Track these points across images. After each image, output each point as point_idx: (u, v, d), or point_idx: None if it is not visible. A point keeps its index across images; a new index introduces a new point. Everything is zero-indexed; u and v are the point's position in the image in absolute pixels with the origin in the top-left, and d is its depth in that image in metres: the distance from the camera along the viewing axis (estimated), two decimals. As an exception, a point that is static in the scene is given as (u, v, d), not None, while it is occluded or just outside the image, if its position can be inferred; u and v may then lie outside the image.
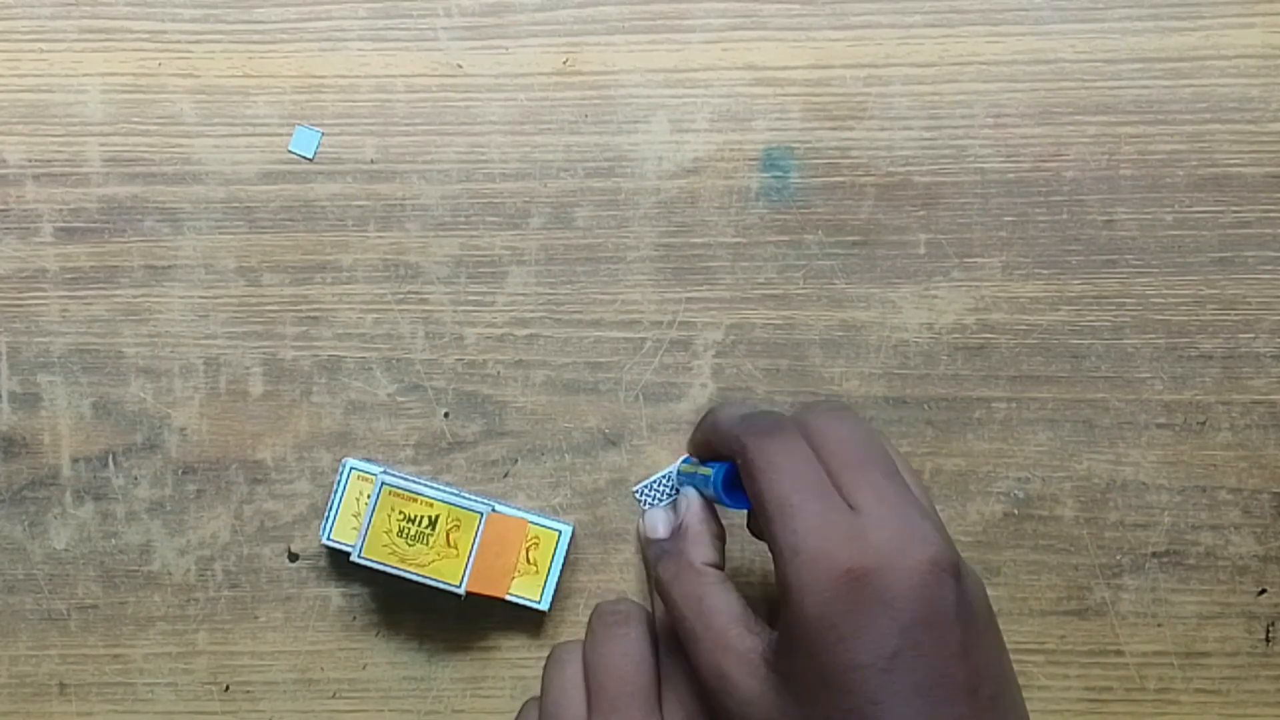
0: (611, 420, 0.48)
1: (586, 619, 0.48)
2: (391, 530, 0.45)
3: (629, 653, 0.40)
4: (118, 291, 0.48)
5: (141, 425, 0.48)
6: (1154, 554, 0.48)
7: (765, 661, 0.37)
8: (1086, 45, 0.48)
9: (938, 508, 0.48)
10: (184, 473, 0.48)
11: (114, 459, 0.48)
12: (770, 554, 0.38)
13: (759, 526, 0.41)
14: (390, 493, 0.45)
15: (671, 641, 0.41)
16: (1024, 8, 0.48)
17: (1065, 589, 0.48)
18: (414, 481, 0.46)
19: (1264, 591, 0.48)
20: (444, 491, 0.46)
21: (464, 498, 0.46)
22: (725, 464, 0.42)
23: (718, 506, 0.43)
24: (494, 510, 0.46)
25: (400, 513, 0.45)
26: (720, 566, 0.41)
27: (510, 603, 0.47)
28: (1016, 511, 0.48)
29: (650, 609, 0.45)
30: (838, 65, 0.48)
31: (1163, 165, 0.48)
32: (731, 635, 0.38)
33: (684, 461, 0.46)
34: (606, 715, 0.39)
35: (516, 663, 0.48)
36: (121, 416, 0.48)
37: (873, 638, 0.34)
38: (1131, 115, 0.48)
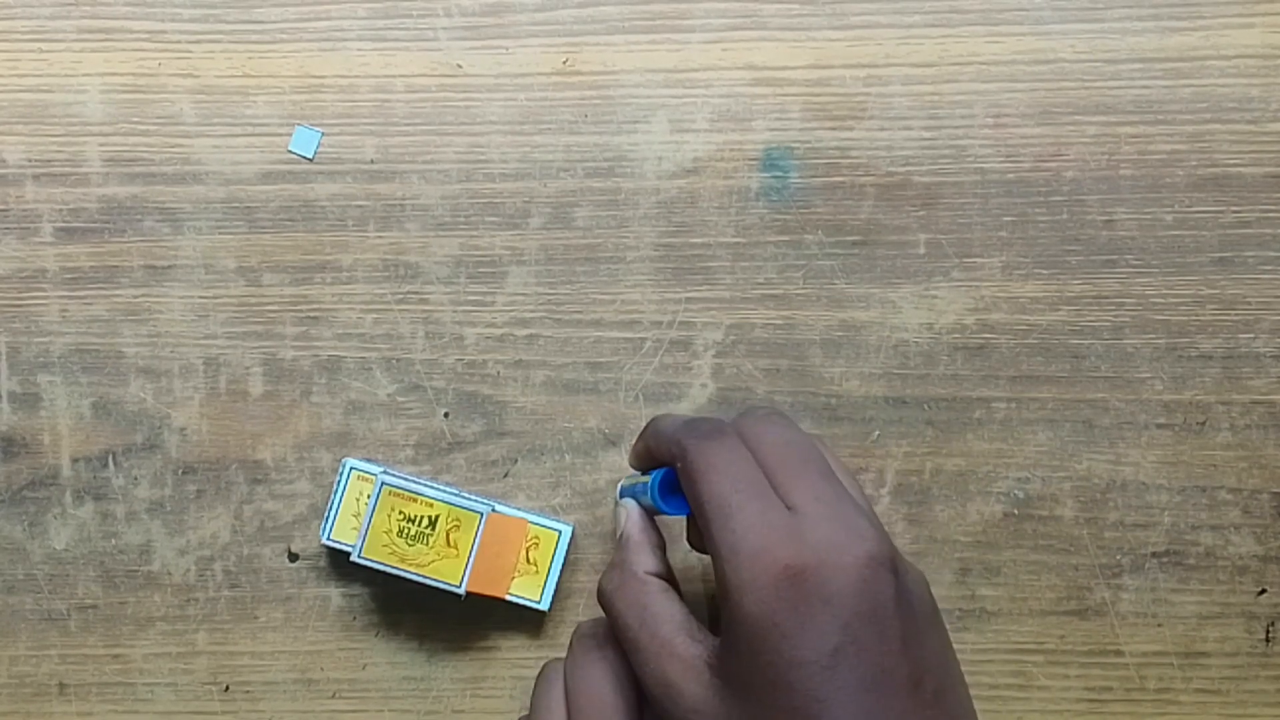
0: (611, 420, 0.48)
1: (586, 618, 0.48)
2: (391, 530, 0.45)
3: (608, 675, 0.40)
4: (118, 291, 0.48)
5: (141, 425, 0.48)
6: (1154, 554, 0.48)
7: (709, 667, 0.37)
8: (1086, 45, 0.48)
9: (938, 508, 0.48)
10: (184, 473, 0.48)
11: (114, 459, 0.48)
12: (710, 558, 0.38)
13: (698, 538, 0.41)
14: (390, 493, 0.45)
15: None
16: (1024, 8, 0.48)
17: (1065, 589, 0.48)
18: (414, 481, 0.46)
19: (1264, 591, 0.48)
20: (444, 491, 0.46)
21: (464, 498, 0.46)
22: (662, 470, 0.42)
23: (661, 518, 0.43)
24: (494, 510, 0.46)
25: (400, 513, 0.45)
26: (664, 575, 0.41)
27: (510, 603, 0.47)
28: (1016, 511, 0.48)
29: None
30: (838, 65, 0.48)
31: (1163, 165, 0.48)
32: (676, 643, 0.38)
33: (627, 478, 0.46)
34: None
35: (516, 663, 0.48)
36: (121, 416, 0.48)
37: (814, 634, 0.34)
38: (1131, 115, 0.48)
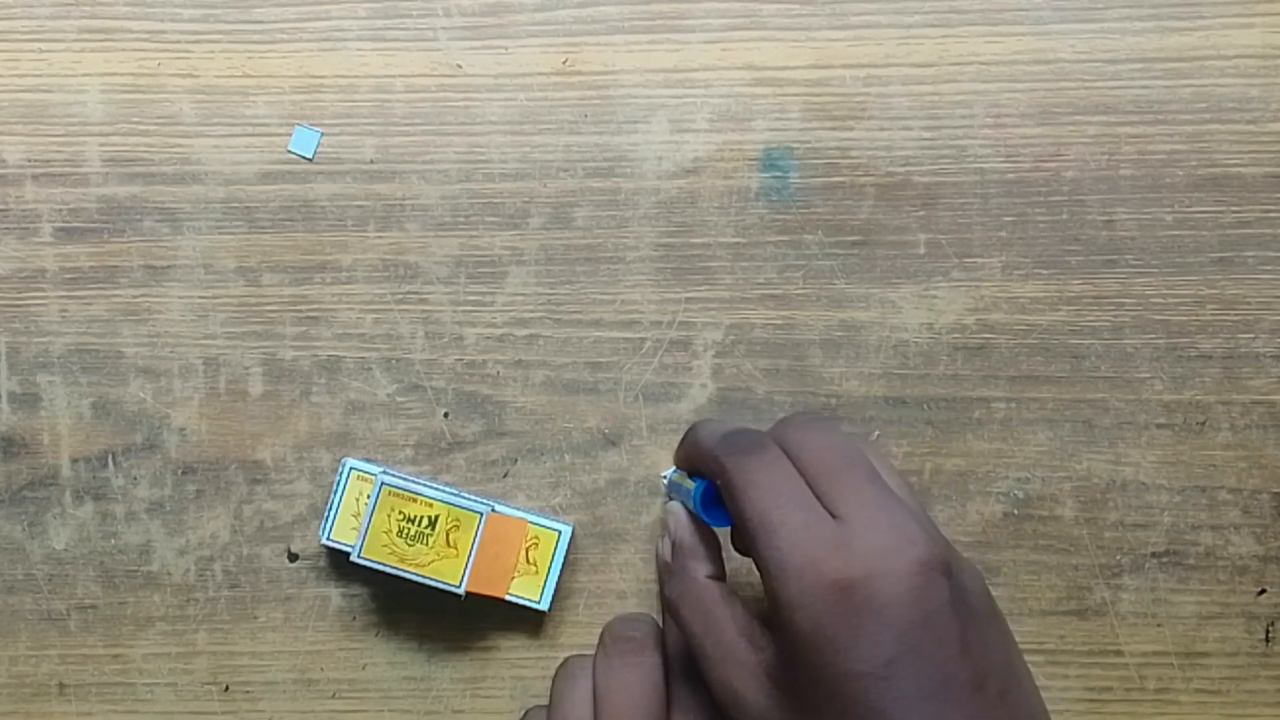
0: (611, 420, 0.48)
1: (586, 619, 0.48)
2: (391, 530, 0.45)
3: (642, 681, 0.40)
4: (117, 291, 0.48)
5: (141, 425, 0.48)
6: (1154, 554, 0.48)
7: (769, 675, 0.37)
8: (1086, 45, 0.48)
9: (938, 508, 0.48)
10: (184, 473, 0.48)
11: (113, 459, 0.48)
12: (758, 570, 0.37)
13: (743, 544, 0.41)
14: (390, 493, 0.45)
15: (683, 666, 0.41)
16: (1024, 8, 0.48)
17: (1065, 589, 0.48)
18: (414, 481, 0.46)
19: (1264, 591, 0.48)
20: (444, 491, 0.46)
21: (464, 498, 0.46)
22: (703, 482, 0.42)
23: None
24: (494, 510, 0.46)
25: (400, 513, 0.45)
26: (721, 577, 0.41)
27: (510, 603, 0.47)
28: (1016, 511, 0.48)
29: (662, 626, 0.44)
30: (838, 65, 0.48)
31: (1163, 165, 0.48)
32: (739, 649, 0.38)
33: (674, 471, 0.47)
34: None
35: (516, 663, 0.48)
36: (121, 416, 0.48)
37: (868, 646, 0.34)
38: (1131, 115, 0.48)
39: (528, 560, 0.47)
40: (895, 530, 0.36)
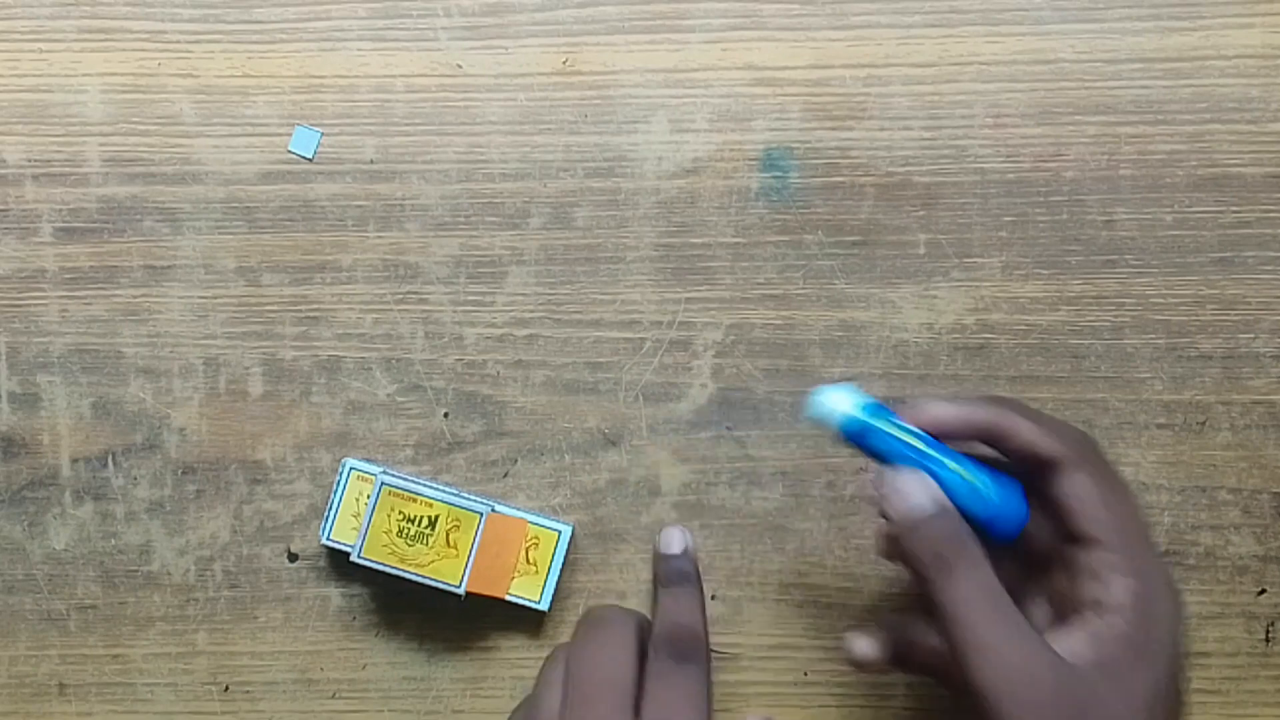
0: (611, 420, 0.48)
1: (586, 619, 0.48)
2: (391, 530, 0.45)
3: (606, 648, 0.40)
4: (117, 291, 0.48)
5: (141, 425, 0.48)
6: (1154, 554, 0.48)
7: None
8: (1086, 45, 0.48)
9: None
10: (183, 473, 0.48)
11: (114, 459, 0.48)
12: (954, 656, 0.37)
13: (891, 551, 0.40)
14: (390, 493, 0.45)
15: (661, 646, 0.41)
16: (1024, 8, 0.48)
17: (1065, 589, 0.48)
18: (414, 481, 0.46)
19: (1264, 591, 0.48)
20: (443, 491, 0.46)
21: (464, 498, 0.46)
22: (1008, 483, 0.38)
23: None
24: (494, 510, 0.46)
25: (400, 513, 0.45)
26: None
27: (510, 603, 0.47)
28: (1016, 511, 0.48)
29: (646, 614, 0.44)
30: (838, 65, 0.48)
31: (1163, 165, 0.48)
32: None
33: (866, 407, 0.39)
34: (576, 707, 0.39)
35: (516, 663, 0.48)
36: (121, 416, 0.48)
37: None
38: (1131, 115, 0.48)
39: (528, 560, 0.47)
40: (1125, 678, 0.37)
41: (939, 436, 0.39)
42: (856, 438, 0.39)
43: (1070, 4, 0.48)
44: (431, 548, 0.45)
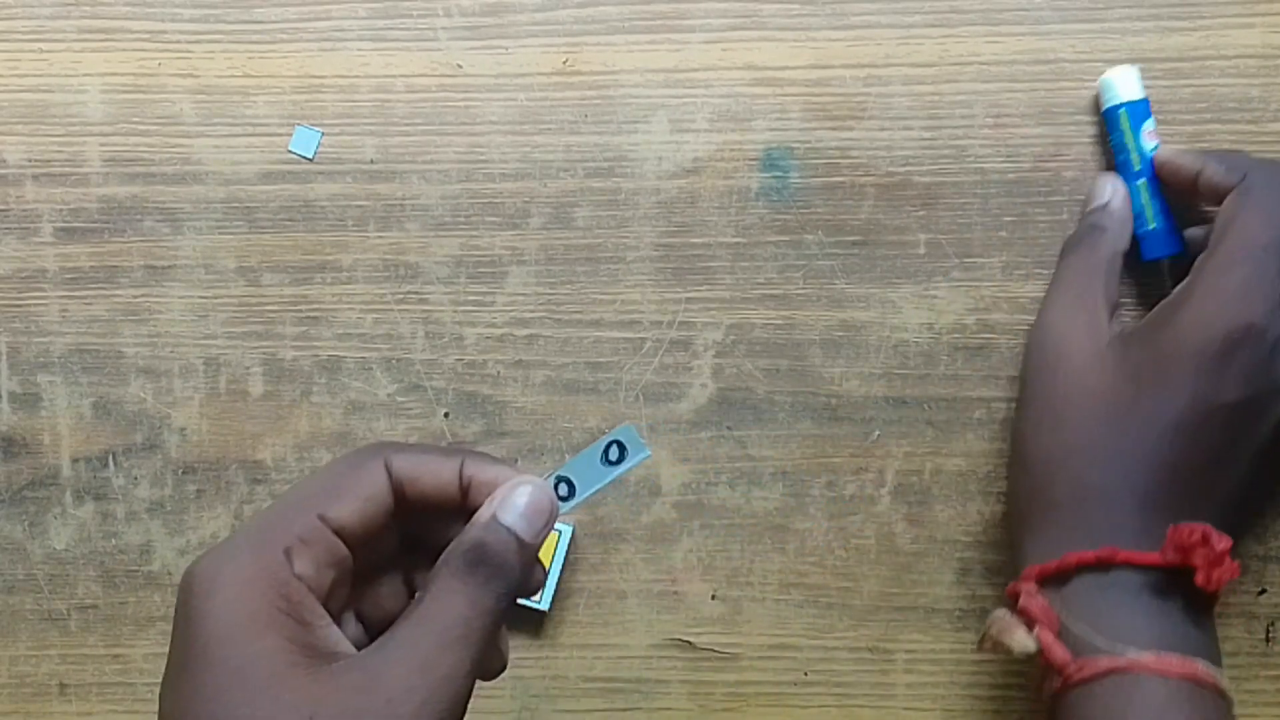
0: (611, 420, 0.48)
1: (586, 619, 0.48)
2: None
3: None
4: (118, 291, 0.48)
5: (141, 425, 0.48)
6: (1154, 554, 0.48)
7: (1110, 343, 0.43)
8: (1086, 45, 0.48)
9: (938, 508, 0.48)
10: (184, 473, 0.48)
11: (114, 459, 0.48)
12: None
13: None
14: None
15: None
16: (1024, 8, 0.48)
17: (1065, 589, 0.48)
18: None
19: (1264, 591, 0.48)
20: None
21: None
22: (1165, 226, 0.46)
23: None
24: None
25: None
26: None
27: None
28: (1016, 511, 0.48)
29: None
30: (838, 65, 0.48)
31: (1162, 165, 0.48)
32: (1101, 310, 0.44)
33: (1132, 106, 0.46)
34: None
35: (516, 663, 0.48)
36: (121, 416, 0.48)
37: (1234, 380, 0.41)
38: (1131, 115, 0.48)
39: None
40: None
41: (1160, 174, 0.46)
42: (1107, 120, 0.47)
43: (1070, 4, 0.48)
44: None
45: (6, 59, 0.48)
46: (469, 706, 0.47)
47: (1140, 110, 0.46)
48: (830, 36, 0.48)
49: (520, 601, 0.46)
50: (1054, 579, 0.41)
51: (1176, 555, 0.39)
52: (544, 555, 0.46)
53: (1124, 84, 0.46)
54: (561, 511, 0.36)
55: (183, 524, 0.48)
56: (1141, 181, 0.46)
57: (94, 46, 0.48)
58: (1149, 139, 0.46)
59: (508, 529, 0.34)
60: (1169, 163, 0.45)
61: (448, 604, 0.33)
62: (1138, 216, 0.46)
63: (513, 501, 0.34)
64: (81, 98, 0.48)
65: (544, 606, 0.47)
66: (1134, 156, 0.46)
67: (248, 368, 0.48)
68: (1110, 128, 0.47)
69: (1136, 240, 0.46)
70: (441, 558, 0.34)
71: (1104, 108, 0.47)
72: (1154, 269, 0.47)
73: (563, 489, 0.37)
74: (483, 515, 0.34)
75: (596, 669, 0.48)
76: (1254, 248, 0.41)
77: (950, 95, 0.48)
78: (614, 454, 0.37)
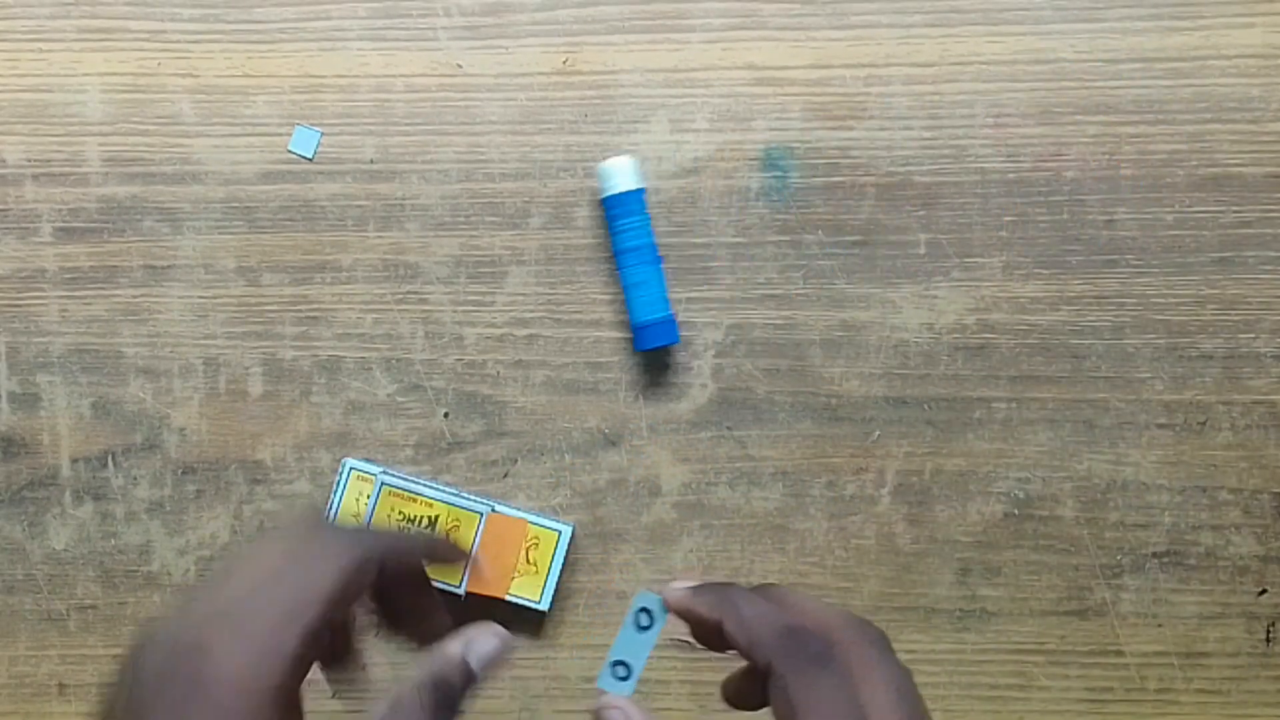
0: (611, 420, 0.48)
1: (586, 619, 0.48)
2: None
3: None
4: (117, 291, 0.48)
5: (141, 425, 0.48)
6: (1154, 554, 0.48)
7: None
8: (1086, 45, 0.48)
9: (938, 508, 0.48)
10: (183, 473, 0.48)
11: (113, 459, 0.48)
12: None
13: (742, 699, 0.38)
14: (390, 493, 0.45)
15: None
16: (1024, 8, 0.48)
17: (1065, 589, 0.48)
18: (413, 481, 0.46)
19: (1264, 592, 0.48)
20: (443, 491, 0.46)
21: (464, 498, 0.46)
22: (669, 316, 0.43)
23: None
24: (494, 510, 0.46)
25: (400, 513, 0.45)
26: None
27: (510, 603, 0.46)
28: (1017, 511, 0.48)
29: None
30: (838, 65, 0.48)
31: (1163, 165, 0.48)
32: None
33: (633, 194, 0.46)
34: None
35: (516, 663, 0.48)
36: (121, 416, 0.48)
37: None
38: (1131, 115, 0.48)
39: (528, 560, 0.46)
40: None
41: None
42: (613, 205, 0.46)
43: (1070, 4, 0.48)
44: None
45: (6, 59, 0.48)
46: (470, 707, 0.47)
47: (635, 199, 0.46)
48: (830, 36, 0.48)
49: (521, 602, 0.47)
50: None
51: None
52: (544, 555, 0.47)
53: (620, 174, 0.46)
54: (626, 693, 0.38)
55: (182, 524, 0.48)
56: (661, 266, 0.46)
57: (94, 46, 0.48)
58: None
59: (472, 670, 0.37)
60: (679, 605, 0.38)
61: None
62: (654, 303, 0.46)
63: (480, 649, 0.37)
64: (81, 97, 0.48)
65: (544, 607, 0.47)
66: (649, 242, 0.46)
67: (247, 368, 0.48)
68: (620, 213, 0.47)
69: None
70: (412, 681, 0.36)
71: (603, 195, 0.47)
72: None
73: (620, 670, 0.39)
74: (454, 653, 0.36)
75: (596, 669, 0.48)
76: None
77: (950, 95, 0.48)
78: (644, 620, 0.39)
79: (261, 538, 0.37)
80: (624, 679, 0.39)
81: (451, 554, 0.39)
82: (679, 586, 0.38)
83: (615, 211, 0.46)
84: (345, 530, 0.36)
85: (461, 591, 0.45)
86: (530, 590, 0.46)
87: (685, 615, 0.39)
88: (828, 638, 0.37)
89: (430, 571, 0.43)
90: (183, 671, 0.32)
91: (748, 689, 0.38)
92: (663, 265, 0.46)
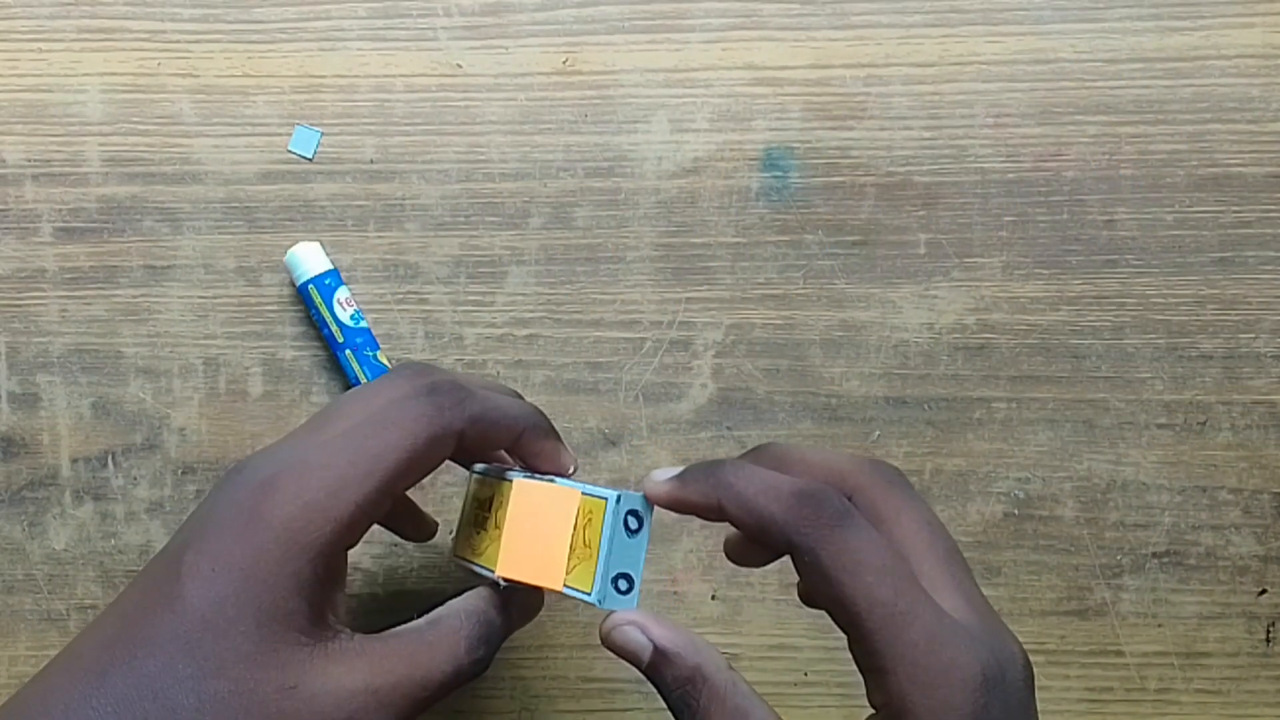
0: (611, 420, 0.48)
1: (586, 619, 0.48)
2: (470, 522, 0.40)
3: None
4: (117, 291, 0.48)
5: (141, 425, 0.48)
6: (1154, 554, 0.48)
7: None
8: (1086, 45, 0.48)
9: (938, 508, 0.48)
10: (183, 473, 0.48)
11: (113, 459, 0.48)
12: (862, 654, 0.33)
13: (844, 622, 0.33)
14: (474, 480, 0.39)
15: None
16: (1024, 8, 0.48)
17: (1065, 589, 0.48)
18: (497, 467, 0.39)
19: (1264, 592, 0.48)
20: (516, 473, 0.38)
21: (524, 475, 0.38)
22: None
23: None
24: (529, 478, 0.37)
25: (475, 499, 0.39)
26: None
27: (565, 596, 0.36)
28: (1017, 511, 0.48)
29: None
30: (838, 65, 0.48)
31: (1163, 165, 0.48)
32: None
33: (313, 282, 0.45)
34: None
35: (516, 663, 0.48)
36: (121, 416, 0.48)
37: None
38: (1131, 115, 0.48)
39: (584, 542, 0.35)
40: (1002, 629, 0.33)
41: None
42: (302, 296, 0.46)
43: (1070, 4, 0.48)
44: (488, 531, 0.38)
45: (6, 59, 0.48)
46: (469, 707, 0.47)
47: (330, 281, 0.46)
48: (830, 36, 0.48)
49: (576, 596, 0.41)
50: None
51: None
52: (596, 534, 0.35)
53: (308, 259, 0.47)
54: (631, 606, 0.35)
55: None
56: (348, 352, 0.46)
57: (93, 46, 0.48)
58: (344, 308, 0.46)
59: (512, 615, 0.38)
60: (668, 498, 0.35)
61: (448, 644, 0.36)
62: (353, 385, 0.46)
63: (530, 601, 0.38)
64: (81, 97, 0.48)
65: (595, 600, 0.43)
66: (334, 329, 0.46)
67: (247, 368, 0.48)
68: (307, 304, 0.47)
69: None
70: (458, 605, 0.36)
71: (296, 284, 0.47)
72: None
73: (622, 584, 0.35)
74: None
75: (596, 669, 0.48)
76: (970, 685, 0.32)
77: (950, 95, 0.48)
78: (634, 523, 0.35)
79: (372, 384, 0.37)
80: (626, 592, 0.35)
81: (549, 438, 0.38)
82: (661, 478, 0.35)
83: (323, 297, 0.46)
84: (437, 397, 0.35)
85: (498, 579, 0.37)
86: (583, 580, 0.35)
87: (676, 507, 0.35)
88: (844, 490, 0.34)
89: (484, 560, 0.38)
90: (247, 503, 0.33)
91: (753, 547, 0.35)
92: (351, 347, 0.45)
